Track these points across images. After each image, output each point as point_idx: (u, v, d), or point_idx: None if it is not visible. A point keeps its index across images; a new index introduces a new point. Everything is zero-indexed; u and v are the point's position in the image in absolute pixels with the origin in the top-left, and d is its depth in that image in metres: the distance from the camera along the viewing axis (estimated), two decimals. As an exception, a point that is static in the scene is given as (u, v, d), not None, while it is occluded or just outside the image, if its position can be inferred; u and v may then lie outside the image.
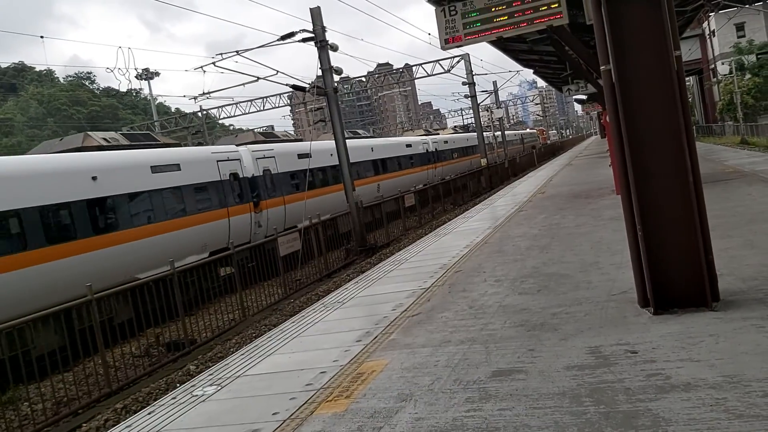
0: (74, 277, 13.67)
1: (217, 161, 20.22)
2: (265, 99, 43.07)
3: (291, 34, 22.55)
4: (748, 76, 52.33)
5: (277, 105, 43.52)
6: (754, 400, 4.40)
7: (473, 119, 48.97)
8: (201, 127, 46.92)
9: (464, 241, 14.62)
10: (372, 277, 12.27)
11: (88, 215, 15.49)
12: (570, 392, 5.04)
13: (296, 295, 16.74)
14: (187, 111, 54.62)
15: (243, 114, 43.81)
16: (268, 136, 27.68)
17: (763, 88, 51.63)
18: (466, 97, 48.54)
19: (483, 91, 59.58)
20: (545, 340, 6.44)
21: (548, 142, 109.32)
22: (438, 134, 53.25)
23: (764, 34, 53.87)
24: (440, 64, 40.04)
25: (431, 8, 13.76)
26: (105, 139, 18.78)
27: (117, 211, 16.39)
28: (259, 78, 25.90)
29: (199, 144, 35.55)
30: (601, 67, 6.82)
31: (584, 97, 45.74)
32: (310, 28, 22.54)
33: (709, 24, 58.04)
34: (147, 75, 50.71)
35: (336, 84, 24.02)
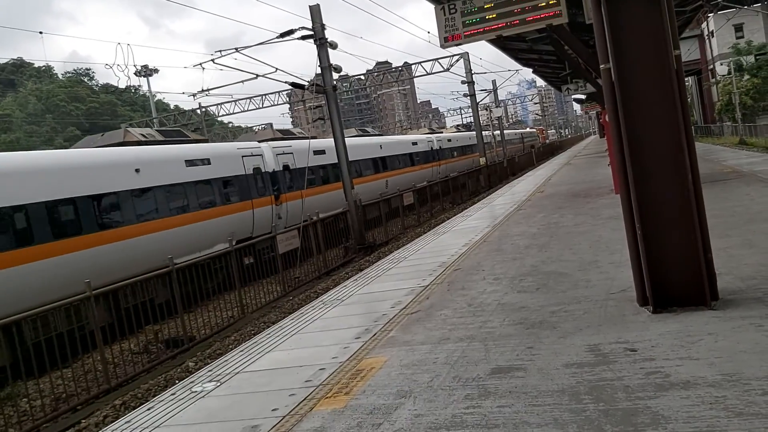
0: (121, 261, 15.17)
1: (242, 156, 21.50)
2: (264, 96, 42.99)
3: (290, 32, 22.53)
4: (746, 76, 52.37)
5: (276, 103, 43.44)
6: (753, 398, 4.41)
7: (472, 118, 49.02)
8: (200, 125, 46.89)
9: (463, 239, 14.63)
10: (371, 275, 12.28)
11: (133, 204, 16.83)
12: (569, 390, 5.05)
13: (295, 292, 16.75)
14: (186, 108, 54.59)
15: (242, 111, 43.72)
16: (286, 133, 28.80)
17: (761, 89, 51.68)
18: (465, 95, 48.55)
19: (482, 90, 59.73)
20: (544, 338, 6.45)
21: (547, 141, 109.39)
22: (442, 133, 54.14)
23: (763, 35, 53.92)
24: (439, 63, 40.02)
25: (431, 6, 13.76)
26: (143, 134, 20.47)
27: (157, 201, 17.65)
28: (258, 75, 25.85)
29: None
30: (601, 66, 6.83)
31: (583, 96, 45.76)
32: (310, 25, 22.53)
33: (707, 25, 58.08)
34: (146, 72, 50.69)
35: (335, 82, 24.01)
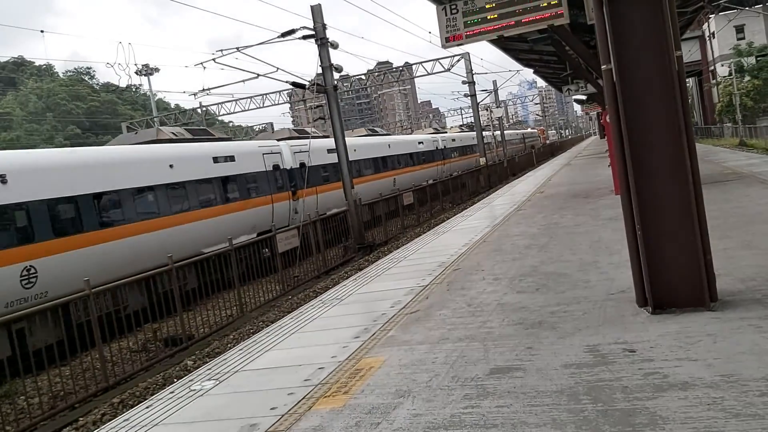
0: (156, 249, 16.20)
1: (263, 154, 22.78)
2: (264, 96, 42.98)
3: (291, 31, 22.54)
4: (747, 78, 52.38)
5: (276, 102, 43.45)
6: (751, 399, 4.41)
7: (473, 118, 49.10)
8: (200, 124, 46.88)
9: (463, 239, 14.62)
10: (370, 275, 12.28)
11: (167, 197, 18.18)
12: (568, 390, 5.05)
13: (294, 291, 16.75)
14: (187, 107, 54.59)
15: (242, 111, 43.72)
16: (301, 132, 29.96)
17: (762, 91, 51.68)
18: (465, 96, 48.54)
19: (483, 91, 59.62)
20: (543, 338, 6.45)
21: (547, 141, 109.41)
22: (446, 133, 55.77)
23: (764, 36, 53.89)
24: (440, 63, 40.05)
25: (432, 6, 13.79)
26: (173, 133, 21.82)
27: (188, 194, 18.96)
28: (259, 75, 25.88)
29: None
30: (602, 67, 6.82)
31: (584, 97, 45.86)
32: (311, 25, 22.53)
33: (709, 26, 58.09)
34: (147, 71, 50.69)
35: (336, 82, 24.01)
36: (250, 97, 43.54)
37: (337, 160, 24.43)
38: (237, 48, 24.17)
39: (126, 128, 47.07)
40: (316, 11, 22.48)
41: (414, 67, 42.06)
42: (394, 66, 51.79)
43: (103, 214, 16.08)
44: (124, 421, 6.21)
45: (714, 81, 59.29)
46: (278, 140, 25.52)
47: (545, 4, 12.46)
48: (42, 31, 64.03)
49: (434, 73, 40.25)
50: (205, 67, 27.67)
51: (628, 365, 5.37)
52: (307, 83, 24.49)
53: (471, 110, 50.51)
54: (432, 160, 42.91)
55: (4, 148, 56.43)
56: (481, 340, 6.74)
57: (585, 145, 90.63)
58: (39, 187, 14.51)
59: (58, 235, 14.64)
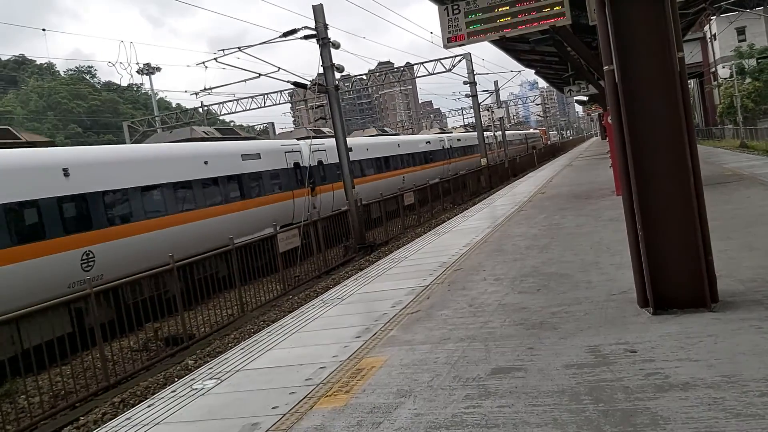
0: (195, 239, 17.43)
1: (285, 152, 24.01)
2: (266, 96, 42.99)
3: (293, 31, 22.54)
4: (748, 79, 52.36)
5: (277, 102, 43.43)
6: (752, 399, 4.42)
7: (474, 119, 49.18)
8: (202, 123, 46.87)
9: (464, 239, 14.63)
10: (371, 275, 12.29)
11: (203, 192, 19.60)
12: (569, 390, 5.06)
13: (295, 291, 16.75)
14: (188, 107, 54.62)
15: (244, 110, 43.73)
16: (318, 132, 31.24)
17: (762, 92, 51.67)
18: (467, 96, 48.59)
19: (484, 91, 59.66)
20: (545, 338, 6.46)
21: (549, 142, 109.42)
22: (452, 133, 56.56)
23: (765, 38, 53.90)
24: (442, 63, 40.04)
25: (434, 7, 13.79)
26: (205, 132, 23.30)
27: (220, 188, 20.42)
28: (260, 74, 25.89)
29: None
30: (604, 68, 6.83)
31: (585, 98, 45.83)
32: (313, 25, 22.54)
33: (710, 27, 58.10)
34: (148, 70, 50.69)
35: (337, 81, 24.02)
36: (252, 97, 43.56)
37: (353, 158, 25.67)
38: (239, 47, 24.19)
39: (127, 127, 47.12)
40: (318, 11, 22.48)
41: (415, 67, 42.06)
42: (395, 66, 51.82)
43: (147, 206, 17.43)
44: (126, 420, 6.22)
45: (715, 83, 59.30)
46: (298, 139, 26.71)
47: (547, 6, 12.47)
48: (44, 30, 64.03)
49: (436, 74, 40.26)
50: (206, 67, 27.69)
51: (630, 366, 5.38)
52: (308, 83, 24.52)
53: (472, 111, 50.55)
54: (438, 159, 44.00)
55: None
56: (482, 340, 6.75)
57: (586, 146, 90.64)
58: (95, 179, 15.92)
59: (111, 223, 16.11)
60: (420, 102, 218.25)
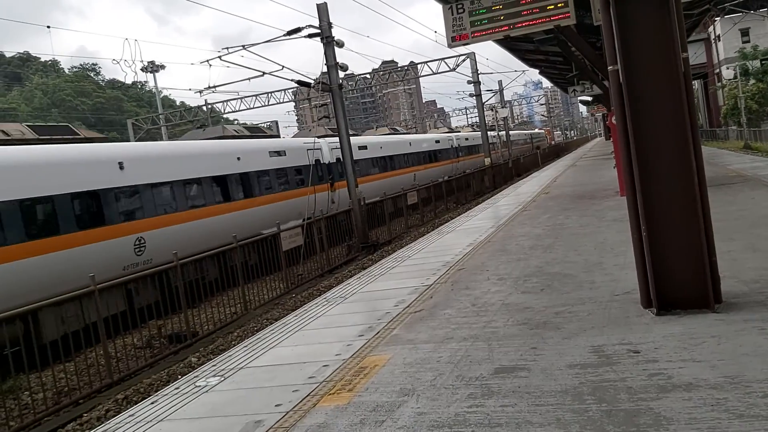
0: (228, 229, 17.98)
1: (307, 150, 25.17)
2: (269, 94, 43.05)
3: (297, 30, 22.57)
4: (752, 81, 52.23)
5: (281, 100, 43.53)
6: (755, 400, 4.42)
7: (478, 118, 49.29)
8: (206, 121, 46.94)
9: (467, 239, 14.63)
10: (374, 274, 12.29)
11: (236, 185, 21.10)
12: (572, 390, 5.06)
13: (298, 290, 16.79)
14: (192, 105, 54.67)
15: (248, 109, 43.82)
16: (335, 131, 32.30)
17: (766, 94, 51.49)
18: (471, 96, 48.60)
19: (488, 91, 59.61)
20: (548, 338, 6.46)
21: (553, 142, 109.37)
22: (459, 132, 57.97)
23: (769, 39, 53.80)
24: (446, 63, 40.04)
25: (438, 6, 13.77)
26: (235, 130, 25.42)
27: (251, 183, 21.86)
28: (264, 73, 25.94)
29: None
30: (609, 68, 6.83)
31: (589, 98, 45.72)
32: (317, 23, 22.55)
33: (714, 29, 57.95)
34: (152, 68, 50.74)
35: (341, 80, 24.04)
36: (255, 95, 43.63)
37: (366, 156, 28.09)
38: (243, 46, 24.23)
39: (131, 125, 47.19)
40: (322, 10, 22.51)
41: (419, 66, 42.08)
42: (399, 65, 51.88)
43: (189, 198, 18.98)
44: (129, 416, 6.23)
45: (719, 84, 59.14)
46: (318, 137, 27.78)
47: (552, 5, 12.46)
48: (48, 27, 64.09)
49: (439, 73, 40.29)
50: (210, 65, 27.76)
51: (633, 366, 5.38)
52: (312, 82, 24.54)
53: (476, 110, 50.56)
54: (447, 158, 45.40)
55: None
56: (485, 339, 6.75)
57: (590, 147, 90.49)
58: (145, 173, 17.45)
59: (159, 213, 17.61)
60: (424, 101, 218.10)
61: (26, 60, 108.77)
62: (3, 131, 15.75)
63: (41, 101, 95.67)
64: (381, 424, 4.98)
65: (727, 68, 54.08)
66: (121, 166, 16.69)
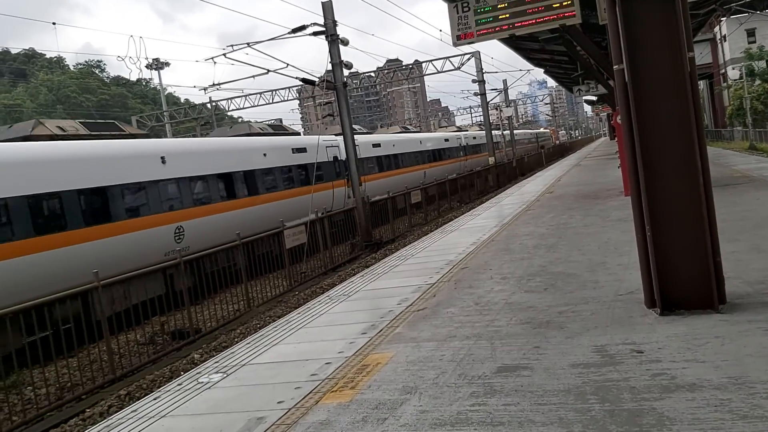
0: (256, 220, 19.66)
1: (326, 147, 25.94)
2: (274, 92, 43.11)
3: (302, 28, 22.55)
4: (758, 81, 52.09)
5: (286, 98, 43.57)
6: (758, 401, 4.41)
7: (482, 117, 49.31)
8: (210, 119, 46.99)
9: (471, 238, 14.62)
10: (377, 272, 12.29)
11: (262, 180, 22.28)
12: (575, 390, 5.05)
13: (301, 287, 16.77)
14: (197, 102, 54.74)
15: (252, 106, 43.89)
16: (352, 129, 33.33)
17: (772, 94, 51.35)
18: (475, 94, 48.54)
19: (493, 90, 59.54)
20: (551, 337, 6.45)
21: (558, 142, 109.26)
22: (467, 131, 58.67)
23: (775, 40, 53.63)
24: (450, 61, 40.03)
25: (444, 5, 13.75)
26: (260, 127, 26.33)
27: (276, 178, 23.05)
28: (269, 71, 26.00)
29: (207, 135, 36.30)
30: (614, 67, 6.81)
31: (594, 98, 45.70)
32: (322, 21, 22.54)
33: (720, 29, 57.82)
34: (157, 65, 50.80)
35: (345, 78, 24.02)
36: (260, 93, 43.69)
37: (379, 154, 29.16)
38: (248, 43, 24.25)
39: (135, 122, 47.23)
40: (327, 8, 22.47)
41: (424, 64, 42.11)
42: (403, 64, 51.83)
43: (222, 191, 20.16)
44: (132, 412, 6.24)
45: (725, 84, 59.00)
46: (336, 135, 28.15)
47: (557, 4, 12.44)
48: (54, 24, 64.25)
49: (444, 72, 40.34)
50: (215, 62, 27.78)
51: (636, 366, 5.37)
52: (316, 80, 24.53)
53: (481, 109, 50.58)
54: (456, 156, 46.22)
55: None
56: (488, 338, 6.75)
57: (595, 146, 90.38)
58: (184, 167, 18.64)
59: (196, 204, 18.89)
60: (428, 100, 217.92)
61: (32, 56, 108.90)
62: (60, 127, 17.21)
63: (46, 98, 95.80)
64: (383, 422, 4.98)
65: (733, 68, 54.03)
66: (163, 160, 17.92)
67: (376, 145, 32.97)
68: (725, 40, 57.01)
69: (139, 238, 16.37)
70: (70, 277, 13.01)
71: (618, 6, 6.63)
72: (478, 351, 6.37)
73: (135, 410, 6.27)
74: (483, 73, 44.13)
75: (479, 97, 46.30)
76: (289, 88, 43.36)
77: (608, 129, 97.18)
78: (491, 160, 43.77)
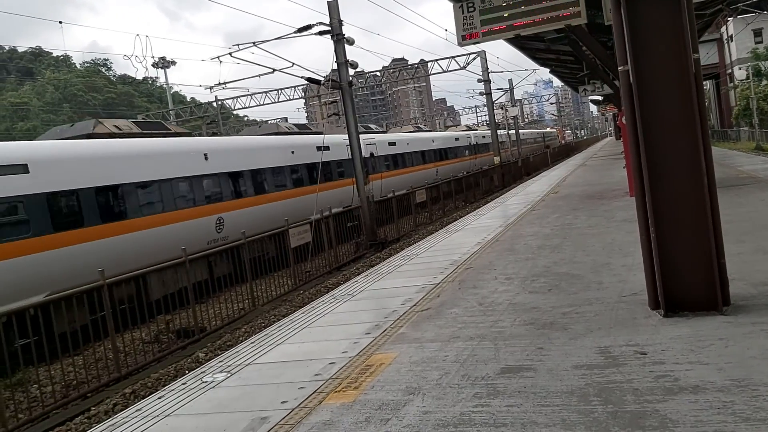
0: (285, 213, 19.79)
1: (346, 145, 25.93)
2: (279, 91, 43.13)
3: (308, 27, 22.57)
4: (764, 82, 51.91)
5: (291, 97, 43.60)
6: (761, 403, 4.41)
7: (488, 117, 49.37)
8: (216, 118, 47.06)
9: (475, 238, 14.62)
10: (382, 271, 12.30)
11: (291, 176, 24.05)
12: (578, 391, 5.05)
13: (306, 286, 16.79)
14: (203, 101, 54.83)
15: (258, 105, 43.89)
16: (367, 128, 35.79)
17: (779, 95, 51.16)
18: (481, 94, 48.47)
19: (498, 89, 59.49)
20: (555, 338, 6.46)
21: (564, 141, 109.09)
22: (477, 130, 59.63)
23: (782, 40, 53.45)
24: (456, 61, 39.95)
25: (449, 4, 13.75)
26: (287, 127, 28.30)
27: (302, 174, 24.74)
28: (274, 70, 26.04)
29: (214, 134, 36.33)
30: (619, 68, 6.80)
31: (600, 98, 45.57)
32: (327, 21, 22.55)
33: (727, 29, 57.63)
34: (163, 63, 50.90)
35: (351, 78, 24.03)
36: (265, 92, 43.72)
37: (395, 152, 30.47)
38: (254, 43, 24.29)
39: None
40: (333, 7, 22.48)
41: (429, 64, 42.05)
42: (409, 63, 51.84)
43: (256, 185, 21.83)
44: (136, 411, 6.27)
45: (731, 84, 58.80)
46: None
47: (563, 4, 12.43)
48: (60, 22, 64.39)
49: (450, 71, 40.23)
50: (221, 61, 27.81)
51: (639, 367, 5.37)
52: (322, 79, 24.54)
53: (486, 109, 50.51)
54: (466, 155, 47.56)
55: (20, 138, 56.89)
56: (492, 339, 6.75)
57: (600, 146, 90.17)
58: (224, 163, 20.37)
59: (234, 197, 20.60)
60: (434, 99, 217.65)
61: (38, 55, 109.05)
62: (116, 126, 18.97)
63: (53, 96, 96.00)
64: (386, 423, 4.99)
65: (740, 69, 53.83)
66: (206, 156, 19.61)
67: (392, 144, 34.21)
68: (732, 40, 56.84)
69: (187, 227, 18.02)
70: (124, 263, 14.50)
71: (623, 7, 6.63)
72: (481, 352, 6.37)
73: (140, 409, 6.30)
74: (488, 73, 44.03)
75: (485, 96, 46.18)
76: (294, 87, 43.43)
77: (614, 129, 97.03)
78: (496, 159, 43.73)
